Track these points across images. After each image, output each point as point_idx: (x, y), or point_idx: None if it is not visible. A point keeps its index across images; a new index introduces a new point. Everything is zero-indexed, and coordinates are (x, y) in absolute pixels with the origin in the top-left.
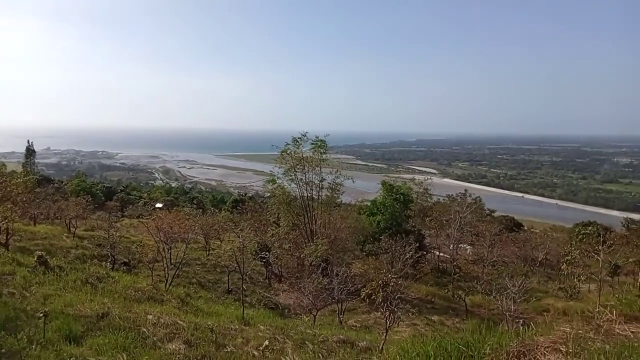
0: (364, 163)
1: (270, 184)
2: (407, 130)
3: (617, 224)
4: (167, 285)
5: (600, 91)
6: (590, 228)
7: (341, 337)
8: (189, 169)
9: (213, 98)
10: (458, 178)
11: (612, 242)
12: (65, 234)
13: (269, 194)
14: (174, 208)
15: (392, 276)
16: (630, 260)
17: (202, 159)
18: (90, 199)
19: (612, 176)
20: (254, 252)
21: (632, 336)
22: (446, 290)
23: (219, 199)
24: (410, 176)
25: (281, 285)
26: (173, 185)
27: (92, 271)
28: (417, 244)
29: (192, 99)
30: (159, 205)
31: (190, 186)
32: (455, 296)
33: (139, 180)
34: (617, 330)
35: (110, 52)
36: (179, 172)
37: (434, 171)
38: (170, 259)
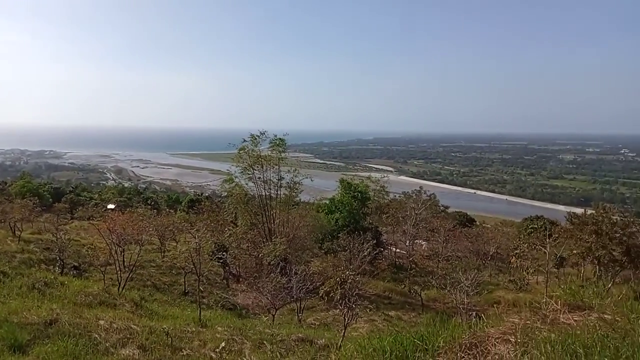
0: (322, 161)
1: (228, 183)
2: (365, 129)
3: (562, 218)
4: (120, 289)
5: (547, 92)
6: (537, 222)
7: (300, 335)
8: (142, 168)
9: (167, 95)
10: (414, 175)
11: (557, 235)
12: (9, 238)
13: (226, 193)
14: (127, 209)
15: (350, 273)
16: (574, 252)
17: (157, 158)
18: (37, 200)
19: (557, 172)
20: (211, 253)
21: (575, 324)
22: (403, 286)
23: (174, 199)
24: (368, 174)
25: (239, 285)
26: (126, 185)
27: (39, 276)
28: (375, 241)
29: (146, 96)
30: (111, 206)
31: (144, 186)
32: (412, 291)
33: (90, 181)
34: (562, 320)
35: (58, 47)
36: (132, 171)
37: (390, 169)
38: (124, 261)
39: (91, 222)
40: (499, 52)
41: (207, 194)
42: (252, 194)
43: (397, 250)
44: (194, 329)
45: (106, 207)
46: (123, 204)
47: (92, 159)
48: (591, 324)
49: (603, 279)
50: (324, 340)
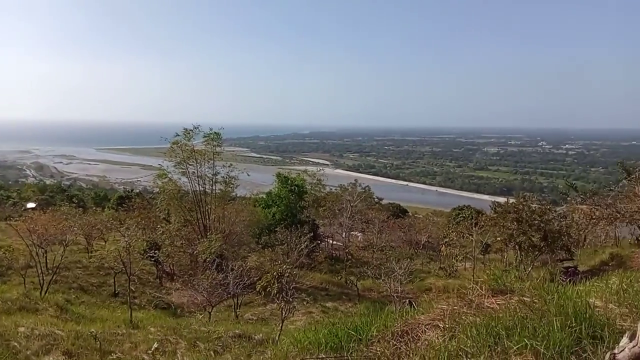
0: (258, 155)
1: (160, 178)
2: (301, 123)
3: (487, 207)
4: (43, 293)
5: (473, 88)
6: (465, 212)
7: (237, 331)
8: (66, 164)
9: (94, 87)
10: (349, 169)
11: (483, 223)
12: None
13: (158, 189)
14: (50, 208)
15: (287, 267)
16: (498, 239)
17: (82, 154)
18: None
19: (483, 164)
20: (143, 251)
21: (498, 308)
22: (339, 277)
23: (102, 196)
24: (304, 168)
25: (173, 283)
26: (48, 182)
27: None
28: (312, 234)
29: (70, 87)
30: (31, 205)
31: (68, 183)
32: (348, 282)
33: (7, 178)
34: (486, 304)
35: None
36: (55, 168)
37: (326, 162)
38: (46, 263)
39: (9, 222)
40: (431, 49)
41: (138, 190)
42: (186, 189)
43: (334, 242)
44: (124, 331)
45: (26, 206)
46: (45, 203)
47: (8, 155)
48: (512, 307)
49: (524, 264)
50: (261, 335)
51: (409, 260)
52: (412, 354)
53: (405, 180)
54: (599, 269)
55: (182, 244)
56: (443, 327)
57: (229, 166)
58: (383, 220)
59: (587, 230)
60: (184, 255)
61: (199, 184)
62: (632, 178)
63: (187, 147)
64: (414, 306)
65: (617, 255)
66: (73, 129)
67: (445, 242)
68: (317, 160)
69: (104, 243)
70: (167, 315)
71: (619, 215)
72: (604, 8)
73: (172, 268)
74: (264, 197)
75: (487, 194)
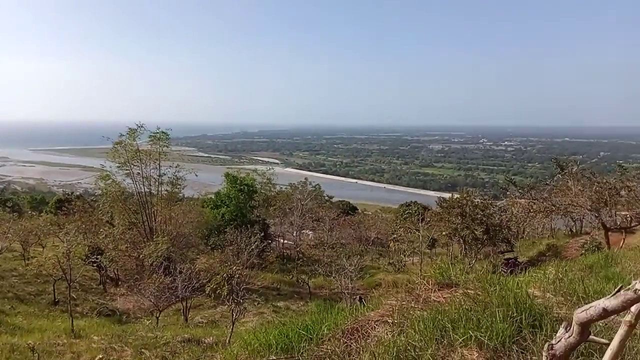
0: (206, 155)
1: (103, 180)
2: (249, 121)
3: (433, 203)
4: None
5: (418, 86)
6: (412, 208)
7: (186, 336)
8: None
9: (29, 84)
10: (299, 167)
11: (429, 219)
12: None
13: (100, 192)
14: None
15: (238, 268)
16: (443, 233)
17: (16, 155)
18: None
19: (428, 161)
20: (84, 257)
21: (444, 301)
22: (291, 276)
23: (39, 200)
24: (254, 167)
25: (118, 289)
26: None
27: None
28: (262, 234)
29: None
30: None
31: (1, 187)
32: (300, 280)
33: None
34: (433, 298)
35: None
36: None
37: (276, 161)
38: None
39: None
40: (377, 50)
41: (78, 193)
42: (130, 191)
43: (285, 241)
44: (65, 341)
45: None
46: None
47: None
48: (457, 300)
49: (468, 257)
50: (211, 339)
51: (359, 256)
52: (362, 350)
53: (355, 178)
54: (537, 259)
55: (127, 247)
56: (392, 323)
57: (175, 166)
58: (333, 218)
59: (525, 223)
60: (129, 260)
61: (144, 185)
62: (565, 173)
63: (131, 147)
64: (364, 302)
65: (553, 246)
66: (6, 129)
67: (394, 237)
68: (266, 159)
69: (41, 249)
70: (112, 322)
71: (554, 208)
72: (537, 9)
73: (117, 273)
74: (213, 197)
75: (433, 190)
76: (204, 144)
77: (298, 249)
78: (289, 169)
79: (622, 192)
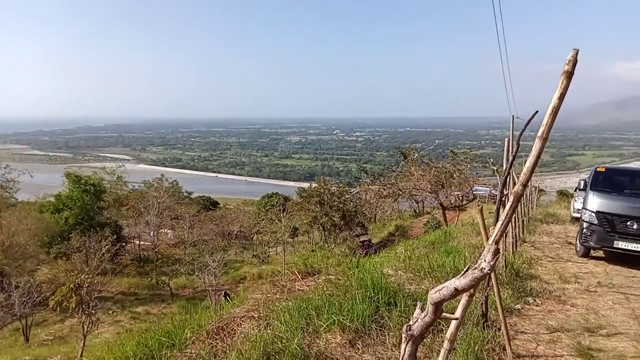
0: (43, 153)
1: None
2: (93, 114)
3: (294, 193)
4: None
5: (273, 79)
6: (273, 199)
7: (27, 358)
8: None
9: None
10: (154, 163)
11: (290, 209)
12: None
13: None
14: None
15: (87, 276)
16: (304, 222)
17: None
18: None
19: (287, 153)
20: None
21: (307, 289)
22: (150, 279)
23: None
24: (102, 164)
25: None
26: None
27: None
28: (115, 236)
29: None
30: None
31: None
32: (160, 282)
33: None
34: (297, 287)
35: None
36: None
37: (127, 157)
38: None
39: None
40: (230, 36)
41: None
42: None
43: (142, 242)
44: None
45: None
46: None
47: None
48: (320, 287)
49: (328, 242)
50: (59, 358)
51: (222, 252)
52: (229, 349)
53: (215, 172)
54: (388, 240)
55: None
56: (258, 317)
57: (4, 167)
58: (194, 215)
59: (377, 207)
60: None
61: None
62: (408, 160)
63: None
64: (229, 298)
65: (401, 226)
66: None
67: (257, 230)
68: (116, 156)
69: None
70: None
71: (401, 192)
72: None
73: None
74: (53, 200)
75: (293, 181)
76: (40, 140)
77: (156, 250)
78: (142, 166)
79: (455, 175)
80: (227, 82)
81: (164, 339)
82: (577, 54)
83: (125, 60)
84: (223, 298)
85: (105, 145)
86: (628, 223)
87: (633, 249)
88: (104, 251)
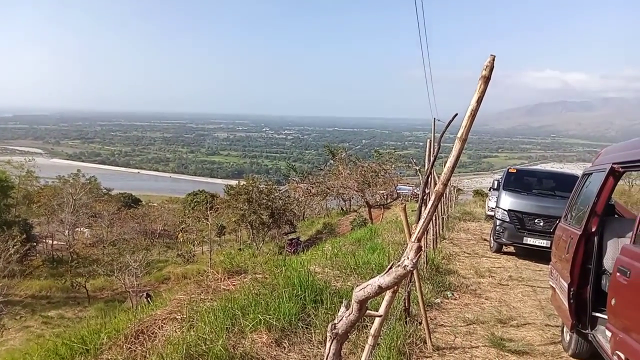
0: None
1: None
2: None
3: (221, 191)
4: None
5: (200, 71)
6: (199, 197)
7: None
8: None
9: None
10: (70, 157)
11: (217, 206)
12: None
13: None
14: None
15: None
16: (232, 220)
17: None
18: None
19: (214, 149)
20: None
21: (233, 289)
22: (64, 280)
23: None
24: (8, 158)
25: None
26: None
27: None
28: (24, 236)
29: None
30: None
31: None
32: (75, 284)
33: None
34: (223, 287)
35: None
36: None
37: (39, 151)
38: None
39: None
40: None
41: None
42: None
43: (55, 242)
44: None
45: None
46: None
47: None
48: (247, 286)
49: (256, 241)
50: None
51: (145, 251)
52: (149, 353)
53: (137, 168)
54: (316, 237)
55: None
56: (181, 319)
57: None
58: (113, 213)
59: (306, 205)
60: None
61: None
62: (336, 159)
63: None
64: (151, 299)
65: (329, 224)
66: None
67: (182, 228)
68: (26, 149)
69: None
70: None
71: (329, 191)
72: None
73: None
74: None
75: (221, 178)
76: None
77: (72, 250)
78: (56, 160)
79: (380, 174)
80: (151, 74)
81: (77, 344)
82: (493, 59)
83: (37, 45)
84: (145, 300)
85: (14, 137)
86: (535, 220)
87: (539, 244)
88: (11, 252)
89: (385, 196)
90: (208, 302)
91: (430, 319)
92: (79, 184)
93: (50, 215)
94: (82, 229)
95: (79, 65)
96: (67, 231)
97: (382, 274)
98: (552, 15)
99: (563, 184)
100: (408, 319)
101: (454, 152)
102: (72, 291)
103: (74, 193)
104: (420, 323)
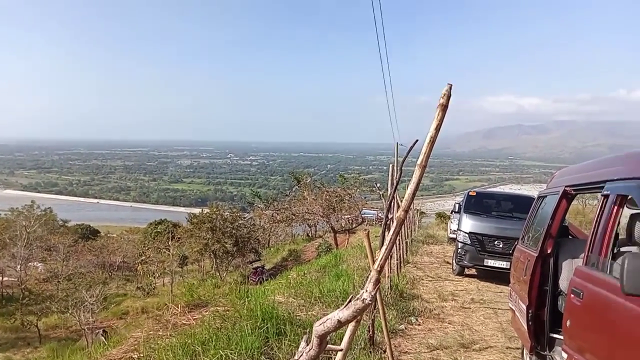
0: None
1: None
2: None
3: (184, 219)
4: None
5: (161, 98)
6: (161, 226)
7: None
8: None
9: None
10: (25, 188)
11: (179, 236)
12: None
13: None
14: None
15: None
16: (195, 250)
17: None
18: None
19: (177, 177)
20: None
21: (194, 323)
22: (13, 320)
23: None
24: None
25: None
26: None
27: None
28: None
29: None
30: None
31: None
32: (26, 323)
33: None
34: (182, 322)
35: None
36: None
37: None
38: None
39: None
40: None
41: None
42: None
43: (6, 278)
44: None
45: None
46: None
47: None
48: (207, 320)
49: (219, 270)
50: None
51: (102, 285)
52: None
53: (96, 198)
54: (282, 265)
55: None
56: (138, 358)
57: None
58: (70, 245)
59: (271, 232)
60: None
61: None
62: (301, 184)
63: None
64: (107, 337)
65: (294, 251)
66: None
67: (142, 259)
68: None
69: None
70: None
71: (294, 217)
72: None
73: None
74: None
75: (184, 206)
76: None
77: (23, 286)
78: (9, 191)
79: (345, 199)
80: (112, 101)
81: None
82: (450, 88)
83: None
84: (101, 337)
85: None
86: (495, 242)
87: (500, 266)
88: None
89: (351, 221)
90: (167, 338)
91: (395, 346)
92: (33, 215)
93: (1, 249)
94: (35, 263)
95: (37, 92)
96: (19, 266)
97: (341, 308)
98: (510, 42)
99: (520, 206)
100: (372, 347)
101: (414, 179)
102: (23, 331)
103: (27, 225)
104: (385, 351)
